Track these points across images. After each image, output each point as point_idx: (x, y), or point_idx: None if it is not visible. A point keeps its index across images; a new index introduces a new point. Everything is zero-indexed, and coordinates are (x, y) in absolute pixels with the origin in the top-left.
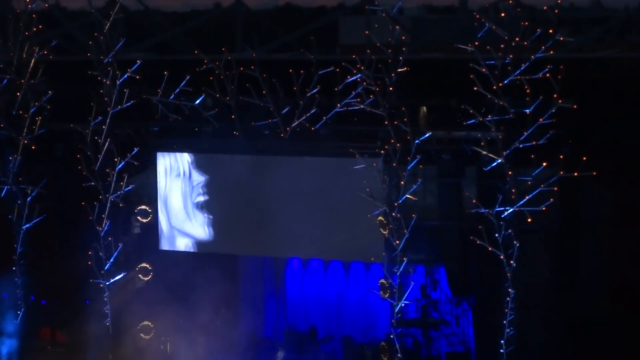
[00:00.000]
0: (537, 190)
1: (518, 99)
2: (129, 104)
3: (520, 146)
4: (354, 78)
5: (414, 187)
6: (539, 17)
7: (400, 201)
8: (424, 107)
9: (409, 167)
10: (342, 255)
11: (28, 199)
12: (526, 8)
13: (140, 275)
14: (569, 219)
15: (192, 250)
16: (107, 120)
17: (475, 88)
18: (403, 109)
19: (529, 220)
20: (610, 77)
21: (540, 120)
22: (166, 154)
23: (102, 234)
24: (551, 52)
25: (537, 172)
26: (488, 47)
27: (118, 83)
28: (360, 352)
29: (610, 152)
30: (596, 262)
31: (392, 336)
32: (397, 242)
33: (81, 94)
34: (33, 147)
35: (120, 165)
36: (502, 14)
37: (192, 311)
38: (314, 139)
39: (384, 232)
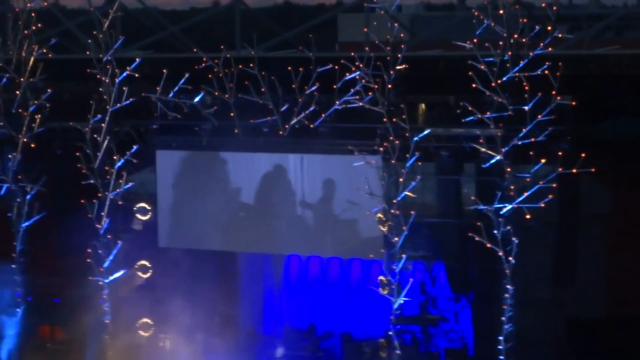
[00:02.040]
0: (536, 187)
1: (517, 96)
2: (128, 102)
3: (519, 143)
4: (352, 75)
5: (413, 184)
6: (538, 14)
7: (399, 198)
8: (423, 104)
9: (407, 164)
10: (341, 252)
11: (27, 197)
12: (525, 5)
13: (139, 273)
14: (567, 216)
15: (190, 247)
16: (107, 119)
17: (474, 85)
18: (402, 106)
19: (528, 217)
20: (609, 74)
21: (539, 117)
22: (165, 152)
23: (102, 231)
24: (550, 49)
25: (535, 168)
26: (487, 44)
27: (117, 81)
28: (359, 348)
29: (609, 149)
30: (595, 259)
31: (391, 333)
32: (396, 239)
33: (80, 92)
34: (32, 145)
35: (119, 163)
36: (501, 11)
37: (191, 308)
38: (313, 136)
39: (383, 229)
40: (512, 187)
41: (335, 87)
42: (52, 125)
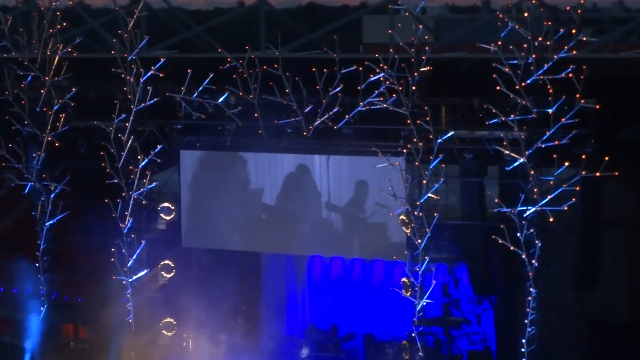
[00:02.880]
0: (559, 190)
1: (541, 98)
2: (152, 101)
3: (543, 146)
4: (376, 77)
5: (436, 186)
6: (562, 17)
7: (422, 200)
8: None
9: (431, 166)
10: (365, 254)
11: (51, 196)
12: (549, 8)
13: (162, 272)
14: (591, 219)
15: (213, 247)
16: (131, 118)
17: (498, 87)
18: (426, 108)
19: (551, 220)
20: (633, 77)
21: (563, 120)
22: (189, 152)
23: (125, 231)
24: (574, 52)
25: (559, 171)
26: (511, 47)
27: (142, 81)
28: (381, 350)
29: (633, 152)
30: (618, 262)
31: (413, 334)
32: (419, 240)
33: (105, 91)
34: (57, 144)
35: (143, 163)
36: (525, 14)
37: (214, 309)
38: (336, 137)
39: (406, 231)
40: (535, 190)
41: (359, 88)
42: (76, 124)
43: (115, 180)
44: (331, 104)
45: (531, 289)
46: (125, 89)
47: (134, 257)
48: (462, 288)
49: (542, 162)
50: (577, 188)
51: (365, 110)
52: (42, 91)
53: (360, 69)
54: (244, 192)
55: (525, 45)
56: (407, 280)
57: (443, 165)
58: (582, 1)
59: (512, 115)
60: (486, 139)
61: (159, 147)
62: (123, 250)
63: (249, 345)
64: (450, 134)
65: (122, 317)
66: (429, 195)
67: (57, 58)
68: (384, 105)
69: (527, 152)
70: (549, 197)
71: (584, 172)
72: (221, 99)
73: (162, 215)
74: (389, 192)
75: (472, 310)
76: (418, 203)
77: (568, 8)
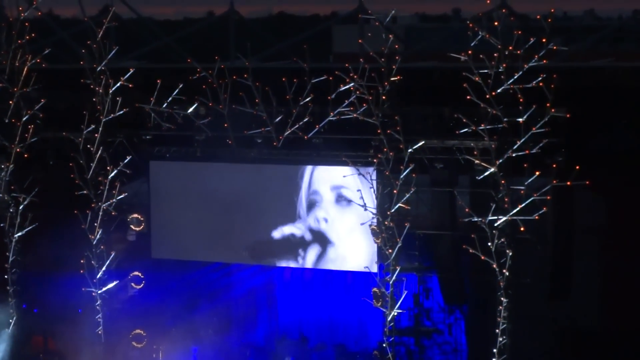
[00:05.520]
0: (530, 199)
1: (511, 107)
2: (121, 112)
3: (513, 155)
4: (347, 87)
5: (407, 195)
6: (532, 26)
7: (393, 210)
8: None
9: (401, 176)
10: (335, 264)
11: (20, 207)
12: (519, 17)
13: (132, 284)
14: (562, 228)
15: (182, 258)
16: (100, 129)
17: (468, 97)
18: (396, 117)
19: (522, 229)
20: (604, 86)
21: (534, 129)
22: (159, 163)
23: (95, 242)
24: (544, 61)
25: (530, 180)
26: (481, 56)
27: (111, 91)
28: None
29: (604, 161)
30: (589, 270)
31: (384, 345)
32: (390, 250)
33: (74, 102)
34: (25, 155)
35: (112, 174)
36: (496, 23)
37: (184, 320)
38: (307, 147)
39: (377, 241)
40: (506, 200)
41: (329, 98)
42: (45, 135)
43: (85, 192)
44: (301, 113)
45: (502, 299)
46: (94, 99)
47: (103, 268)
48: (433, 298)
49: (513, 172)
50: (548, 197)
51: (335, 120)
52: (10, 102)
53: (331, 78)
54: (213, 203)
55: (495, 55)
56: (377, 291)
57: (414, 175)
58: (552, 10)
59: (482, 125)
60: (457, 148)
61: (128, 158)
62: (92, 262)
63: (219, 356)
64: (420, 143)
65: (92, 329)
66: (400, 204)
67: (25, 69)
68: (354, 115)
69: (497, 162)
70: (520, 206)
71: (554, 181)
72: (190, 110)
73: (131, 226)
74: (360, 202)
75: (443, 320)
76: (389, 213)
77: (538, 17)
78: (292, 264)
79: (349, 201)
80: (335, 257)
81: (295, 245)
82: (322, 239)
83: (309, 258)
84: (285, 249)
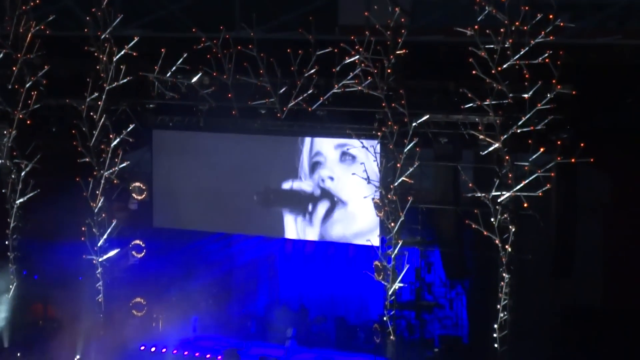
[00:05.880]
0: (534, 176)
1: (517, 83)
2: (125, 80)
3: (518, 131)
4: (352, 59)
5: (410, 169)
6: (540, 2)
7: (396, 183)
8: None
9: (405, 150)
10: (337, 237)
11: (22, 174)
12: None
13: (133, 252)
14: (565, 205)
15: (184, 228)
16: (103, 97)
17: (474, 72)
18: (401, 91)
19: (525, 205)
20: (611, 64)
21: (539, 105)
22: (162, 132)
23: (96, 210)
24: (551, 38)
25: (534, 157)
26: (488, 31)
27: (115, 59)
28: (352, 333)
29: (609, 139)
30: (592, 248)
31: (385, 318)
32: (392, 224)
33: (77, 69)
34: (28, 122)
35: (115, 142)
36: None
37: (185, 289)
38: (310, 119)
39: (379, 214)
40: (510, 175)
41: (334, 70)
42: (48, 102)
43: (87, 159)
44: (306, 85)
45: (504, 275)
46: (98, 67)
47: (105, 236)
48: (435, 272)
49: (517, 147)
50: (552, 174)
51: (340, 93)
52: (14, 68)
53: (336, 50)
54: (216, 173)
55: (502, 30)
56: (379, 264)
57: (417, 149)
58: None
59: (487, 100)
60: (461, 123)
61: (131, 126)
62: (93, 230)
63: (219, 326)
64: (425, 117)
65: (92, 297)
66: (403, 178)
67: (29, 35)
68: (359, 88)
69: (502, 137)
70: (524, 182)
71: (559, 158)
72: (195, 79)
73: (133, 194)
74: (363, 175)
75: (444, 295)
76: (392, 186)
77: None
78: (295, 236)
79: (352, 174)
80: (338, 229)
81: (297, 216)
82: (324, 211)
83: (311, 230)
84: (287, 221)
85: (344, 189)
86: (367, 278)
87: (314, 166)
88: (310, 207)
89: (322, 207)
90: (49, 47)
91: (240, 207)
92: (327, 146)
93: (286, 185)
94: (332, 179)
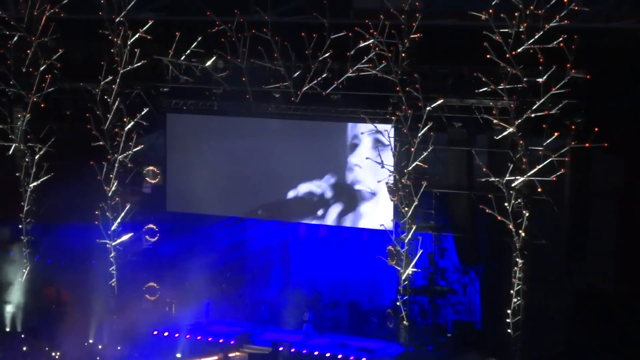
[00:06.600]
0: (548, 160)
1: (531, 67)
2: (139, 63)
3: (532, 115)
4: (366, 43)
5: (424, 154)
6: None
7: (410, 168)
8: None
9: (419, 134)
10: (351, 221)
11: (36, 157)
12: None
13: (146, 236)
14: (579, 190)
15: (197, 212)
16: (117, 80)
17: (488, 56)
18: (415, 75)
19: (539, 190)
20: (625, 48)
21: (553, 89)
22: (176, 115)
23: (110, 194)
24: (565, 22)
25: (548, 141)
26: (502, 15)
27: (129, 43)
28: (365, 318)
29: (623, 123)
30: (606, 232)
31: (398, 303)
32: (406, 209)
33: (92, 52)
34: (42, 105)
35: (129, 126)
36: None
37: (198, 273)
38: (325, 103)
39: (393, 199)
40: (524, 160)
41: (348, 54)
42: (62, 85)
43: (101, 143)
44: (320, 69)
45: (518, 259)
46: (112, 50)
47: (118, 220)
48: (448, 257)
49: (532, 132)
50: (566, 158)
51: (354, 77)
52: (28, 51)
53: (350, 34)
54: (229, 157)
55: (516, 14)
56: (392, 249)
57: (432, 134)
58: None
59: (502, 84)
60: (475, 107)
61: (145, 110)
62: (107, 214)
63: (233, 310)
64: (439, 102)
65: (105, 281)
66: (417, 163)
67: (44, 18)
68: (373, 72)
69: (516, 122)
70: (538, 167)
71: (573, 143)
72: (209, 63)
73: (147, 178)
74: (377, 159)
75: (457, 280)
76: (406, 171)
77: None
78: (308, 220)
79: (366, 158)
80: (351, 214)
81: (311, 201)
82: (338, 196)
83: (325, 214)
84: (301, 205)
85: (356, 176)
86: (381, 263)
87: (328, 151)
88: (323, 194)
89: (336, 194)
90: (63, 30)
91: (254, 192)
92: (340, 133)
93: (296, 172)
94: (344, 165)
